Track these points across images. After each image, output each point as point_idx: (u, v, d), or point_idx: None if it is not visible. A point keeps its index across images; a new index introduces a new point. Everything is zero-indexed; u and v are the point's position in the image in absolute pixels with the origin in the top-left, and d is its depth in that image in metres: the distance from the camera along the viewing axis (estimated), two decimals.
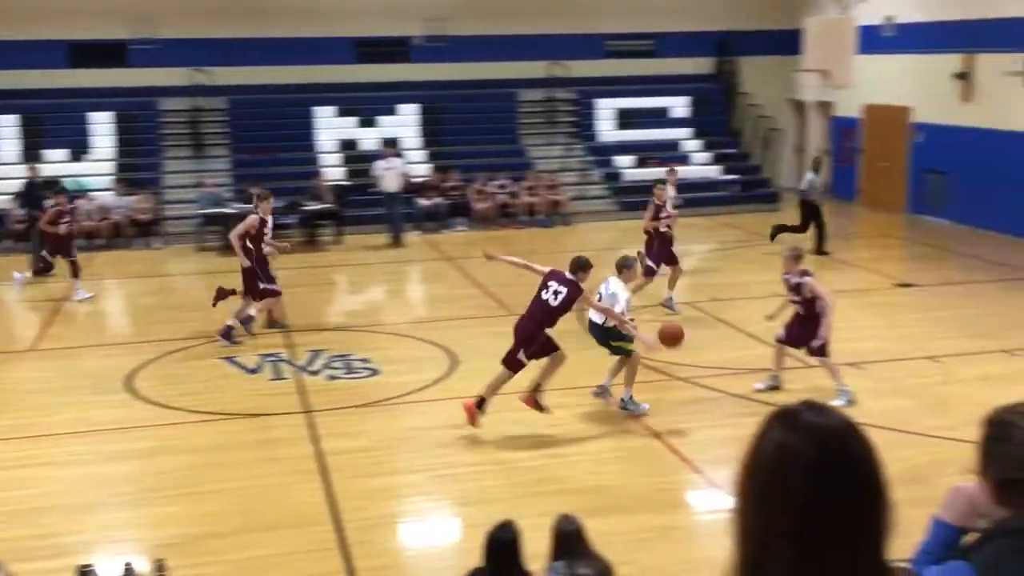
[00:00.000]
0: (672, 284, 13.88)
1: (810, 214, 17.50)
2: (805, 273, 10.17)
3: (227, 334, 12.49)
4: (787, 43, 22.90)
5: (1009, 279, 15.62)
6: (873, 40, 20.97)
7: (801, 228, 17.48)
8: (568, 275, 9.31)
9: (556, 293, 9.21)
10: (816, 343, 10.01)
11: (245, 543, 7.37)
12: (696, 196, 22.18)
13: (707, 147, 23.81)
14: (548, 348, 9.35)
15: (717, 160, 23.44)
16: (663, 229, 13.79)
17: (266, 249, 12.80)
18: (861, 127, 22.69)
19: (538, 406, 9.38)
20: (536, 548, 5.48)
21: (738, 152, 24.20)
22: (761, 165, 24.14)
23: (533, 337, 9.28)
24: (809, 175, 17.76)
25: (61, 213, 15.16)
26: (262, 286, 12.69)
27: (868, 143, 22.54)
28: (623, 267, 9.89)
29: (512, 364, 9.30)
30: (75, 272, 15.25)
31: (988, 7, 18.23)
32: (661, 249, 13.79)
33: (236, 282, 12.89)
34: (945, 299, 14.38)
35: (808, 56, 19.95)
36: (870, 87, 21.26)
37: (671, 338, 9.58)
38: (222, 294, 12.88)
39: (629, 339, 9.76)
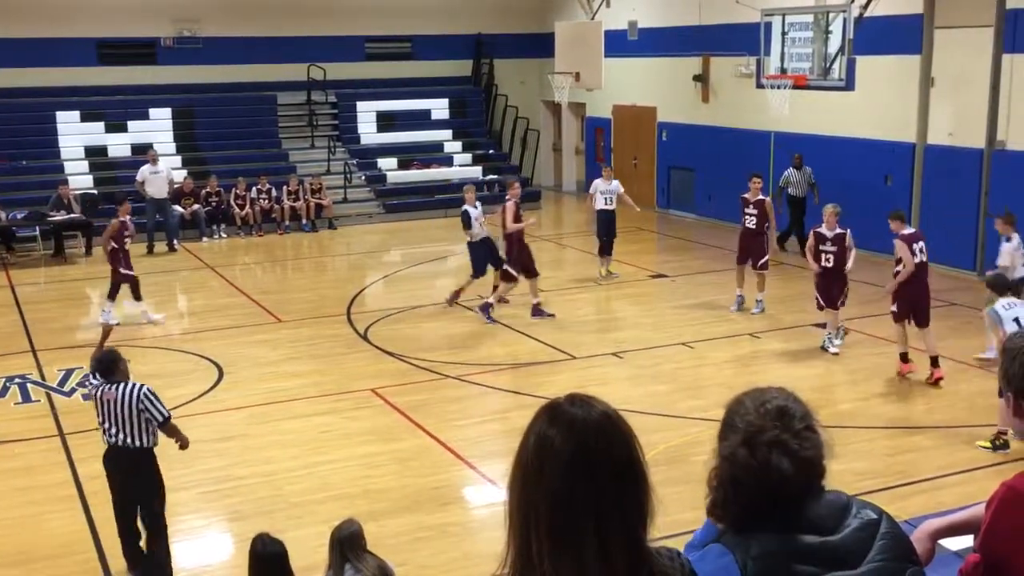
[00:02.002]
0: (759, 288, 13.64)
1: (793, 209, 17.32)
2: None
3: (486, 308, 13.35)
4: (540, 46, 23.62)
5: None
6: (619, 44, 21.95)
7: (790, 226, 17.31)
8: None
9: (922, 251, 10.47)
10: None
11: None
12: (458, 196, 22.54)
13: (467, 148, 24.18)
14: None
15: (477, 160, 23.85)
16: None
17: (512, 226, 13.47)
18: (611, 127, 23.71)
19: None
20: (319, 557, 5.43)
21: (497, 152, 24.72)
22: (520, 165, 24.76)
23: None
24: (787, 171, 17.55)
25: None
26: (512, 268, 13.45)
27: (618, 142, 23.57)
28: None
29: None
30: None
31: (720, 14, 19.45)
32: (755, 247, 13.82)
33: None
34: (695, 288, 15.26)
35: (559, 59, 20.65)
36: (618, 89, 22.24)
37: None
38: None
39: None
